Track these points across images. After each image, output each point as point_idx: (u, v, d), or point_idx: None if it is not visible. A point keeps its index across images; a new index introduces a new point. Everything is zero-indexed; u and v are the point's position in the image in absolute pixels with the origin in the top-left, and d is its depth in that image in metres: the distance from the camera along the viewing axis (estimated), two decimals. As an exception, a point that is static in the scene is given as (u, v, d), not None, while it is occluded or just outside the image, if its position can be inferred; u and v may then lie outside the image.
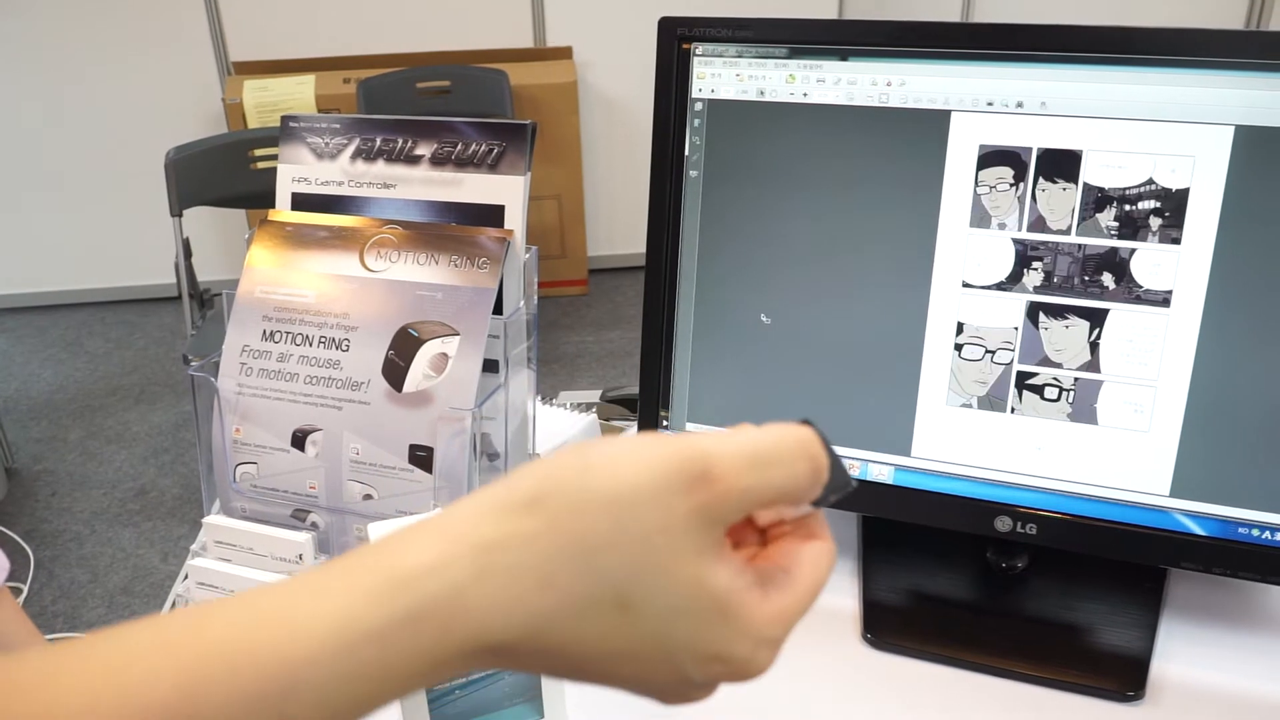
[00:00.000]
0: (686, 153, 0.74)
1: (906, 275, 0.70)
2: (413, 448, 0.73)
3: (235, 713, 0.29)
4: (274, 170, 0.80)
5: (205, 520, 0.75)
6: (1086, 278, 0.67)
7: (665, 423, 0.78)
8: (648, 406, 0.78)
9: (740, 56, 0.71)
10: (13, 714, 0.29)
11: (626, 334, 3.03)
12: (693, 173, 0.74)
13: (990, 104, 0.67)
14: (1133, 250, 0.65)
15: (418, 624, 0.30)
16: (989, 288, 0.69)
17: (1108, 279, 0.66)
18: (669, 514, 0.32)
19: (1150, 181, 0.64)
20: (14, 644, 0.67)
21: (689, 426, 0.77)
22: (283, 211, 0.80)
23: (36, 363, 3.06)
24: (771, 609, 0.34)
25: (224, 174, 2.22)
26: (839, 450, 0.74)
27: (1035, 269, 0.68)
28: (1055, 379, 0.69)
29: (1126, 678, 0.69)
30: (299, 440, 0.75)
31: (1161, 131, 0.64)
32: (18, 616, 0.67)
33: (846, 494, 0.37)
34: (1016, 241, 0.68)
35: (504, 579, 0.31)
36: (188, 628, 0.31)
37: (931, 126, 0.68)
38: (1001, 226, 0.68)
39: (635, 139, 3.25)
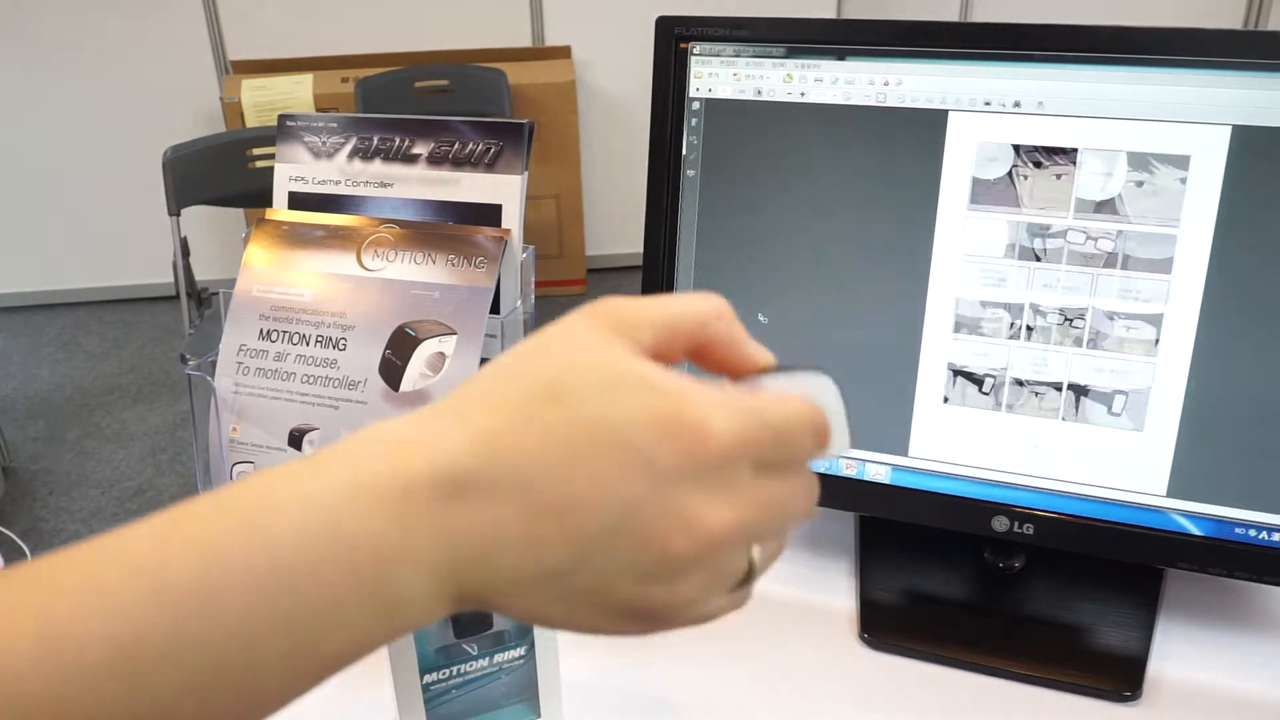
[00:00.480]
0: (684, 152, 0.74)
1: (904, 273, 0.70)
2: (409, 447, 0.73)
3: (247, 604, 0.30)
4: (272, 170, 0.80)
5: (202, 519, 0.75)
6: (1083, 277, 0.67)
7: (662, 422, 0.78)
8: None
9: (738, 56, 0.71)
10: (63, 604, 0.30)
11: (625, 333, 3.02)
12: (690, 172, 0.74)
13: (988, 103, 0.67)
14: (1129, 251, 0.65)
15: (372, 480, 0.31)
16: (986, 286, 0.69)
17: (1104, 278, 0.66)
18: (577, 328, 0.34)
19: (1147, 181, 0.64)
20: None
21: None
22: (280, 210, 0.80)
23: (34, 362, 3.06)
24: (706, 386, 0.33)
25: (222, 173, 2.22)
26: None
27: (1033, 267, 0.68)
28: (1052, 379, 0.69)
29: (1123, 678, 0.69)
30: (296, 440, 0.75)
31: (1158, 131, 0.64)
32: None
33: (812, 373, 0.37)
34: (1013, 241, 0.68)
35: (441, 415, 0.33)
36: (189, 517, 0.31)
37: (929, 126, 0.68)
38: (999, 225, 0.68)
39: (634, 139, 3.25)
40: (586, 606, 0.34)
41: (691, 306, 0.36)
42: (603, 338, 0.34)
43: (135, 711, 0.29)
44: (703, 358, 0.37)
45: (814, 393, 0.37)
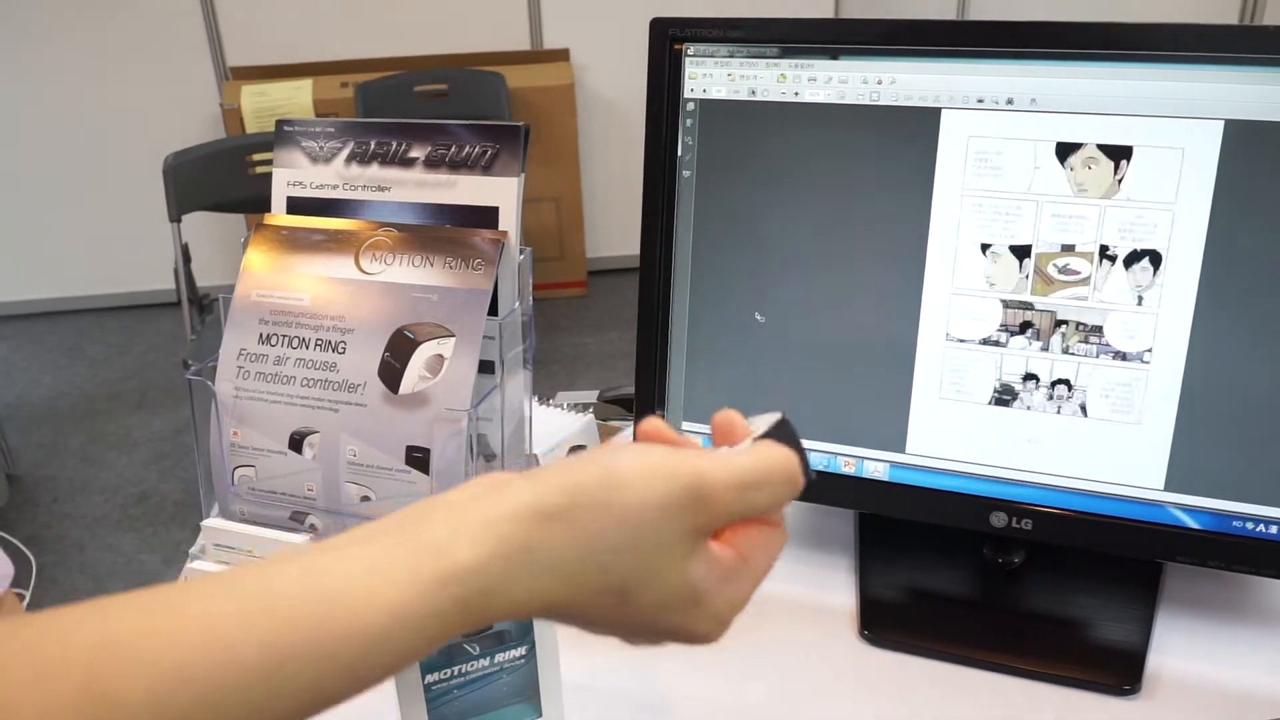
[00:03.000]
0: (679, 153, 0.74)
1: (899, 271, 0.71)
2: (409, 449, 0.73)
3: (312, 673, 0.35)
4: (272, 175, 0.81)
5: (204, 524, 0.76)
6: (1077, 272, 0.67)
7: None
8: (644, 407, 0.78)
9: (732, 56, 0.72)
10: (111, 668, 0.33)
11: (625, 335, 3.03)
12: (685, 172, 0.74)
13: (980, 101, 0.67)
14: (1124, 245, 0.66)
15: (466, 609, 0.37)
16: (981, 282, 0.69)
17: (1099, 273, 0.67)
18: (670, 531, 0.40)
19: (1140, 175, 0.65)
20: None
21: (684, 425, 0.78)
22: (278, 215, 0.80)
23: (36, 369, 3.07)
24: (732, 595, 0.42)
25: (222, 179, 2.22)
26: (834, 447, 0.74)
27: (1027, 261, 0.68)
28: (1049, 373, 0.69)
29: (1123, 671, 0.69)
30: (296, 443, 0.76)
31: (1151, 126, 0.64)
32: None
33: (808, 483, 0.43)
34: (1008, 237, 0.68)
35: (535, 576, 0.38)
36: (260, 593, 0.36)
37: (922, 124, 0.68)
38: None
39: (633, 141, 3.25)
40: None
41: (770, 503, 0.43)
42: (678, 549, 0.40)
43: None
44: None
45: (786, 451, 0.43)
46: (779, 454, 0.42)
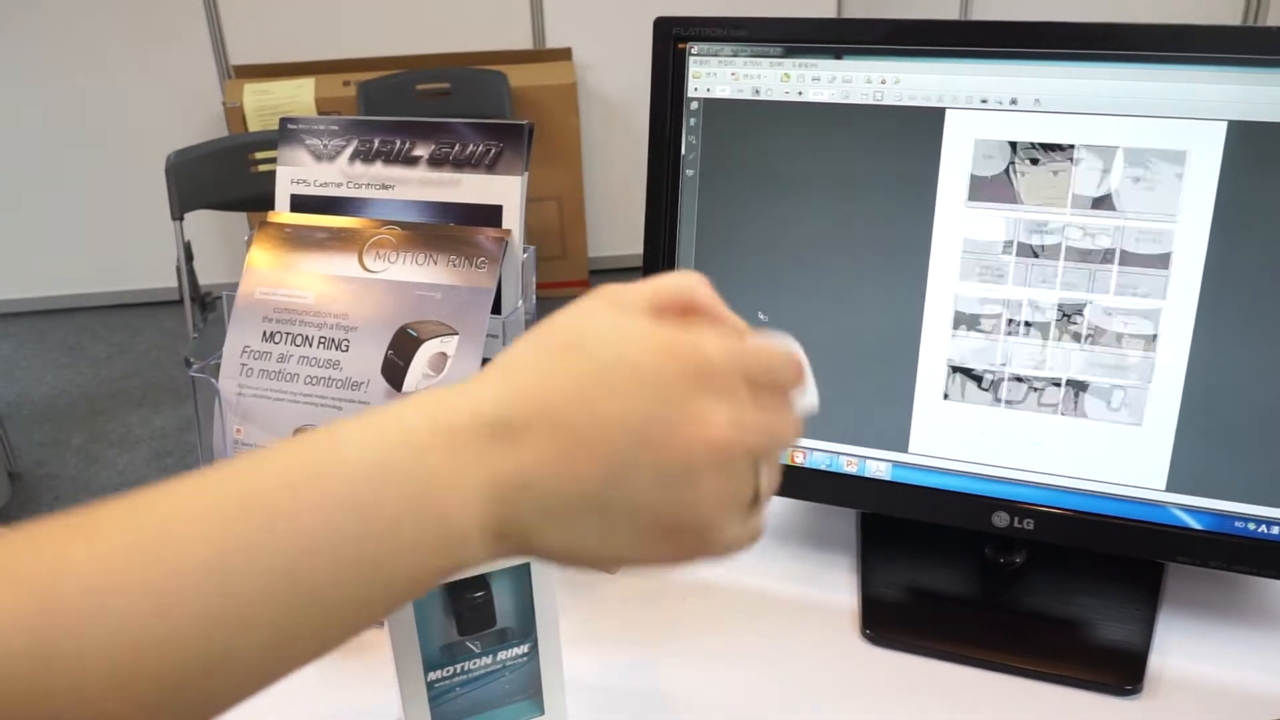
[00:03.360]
0: (683, 152, 0.74)
1: (902, 271, 0.71)
2: (412, 447, 0.73)
3: (327, 522, 0.34)
4: (274, 174, 0.81)
5: (207, 520, 0.76)
6: (1081, 273, 0.67)
7: (664, 421, 0.78)
8: (646, 405, 0.78)
9: (735, 56, 0.72)
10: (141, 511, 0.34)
11: (627, 334, 3.02)
12: (689, 172, 0.74)
13: (984, 101, 0.67)
14: (1126, 246, 0.66)
15: (428, 426, 0.36)
16: (984, 282, 0.69)
17: (1102, 274, 0.67)
18: (591, 302, 0.40)
19: (1144, 177, 0.65)
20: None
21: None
22: (282, 213, 0.80)
23: (38, 367, 3.07)
24: (730, 353, 0.39)
25: (224, 177, 2.22)
26: (836, 446, 0.74)
27: (1031, 263, 0.68)
28: (1051, 374, 0.69)
29: (1124, 672, 0.70)
30: (299, 440, 0.76)
31: (1155, 127, 0.64)
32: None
33: (785, 337, 0.43)
34: (1010, 237, 0.68)
35: (486, 381, 0.38)
36: (270, 459, 0.36)
37: (926, 124, 0.68)
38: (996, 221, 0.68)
39: (635, 140, 3.26)
40: (623, 529, 0.37)
41: (676, 279, 0.42)
42: (607, 306, 0.40)
43: (222, 613, 0.32)
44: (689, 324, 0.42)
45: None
46: (779, 346, 0.42)
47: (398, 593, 0.36)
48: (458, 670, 0.62)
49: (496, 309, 0.74)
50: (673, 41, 0.73)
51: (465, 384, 0.38)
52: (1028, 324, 0.69)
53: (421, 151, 0.77)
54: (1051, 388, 0.69)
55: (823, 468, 0.75)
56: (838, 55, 0.69)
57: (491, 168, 0.76)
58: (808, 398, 0.43)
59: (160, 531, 0.33)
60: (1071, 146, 0.66)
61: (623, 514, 0.37)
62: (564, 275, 3.32)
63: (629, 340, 0.38)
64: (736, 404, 0.38)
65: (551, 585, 0.62)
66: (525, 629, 0.63)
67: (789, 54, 0.70)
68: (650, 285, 0.41)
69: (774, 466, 0.41)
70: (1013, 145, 0.67)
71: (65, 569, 0.32)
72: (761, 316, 0.74)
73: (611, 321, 0.39)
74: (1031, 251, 0.68)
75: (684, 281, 0.42)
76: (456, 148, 0.76)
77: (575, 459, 0.36)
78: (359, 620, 0.35)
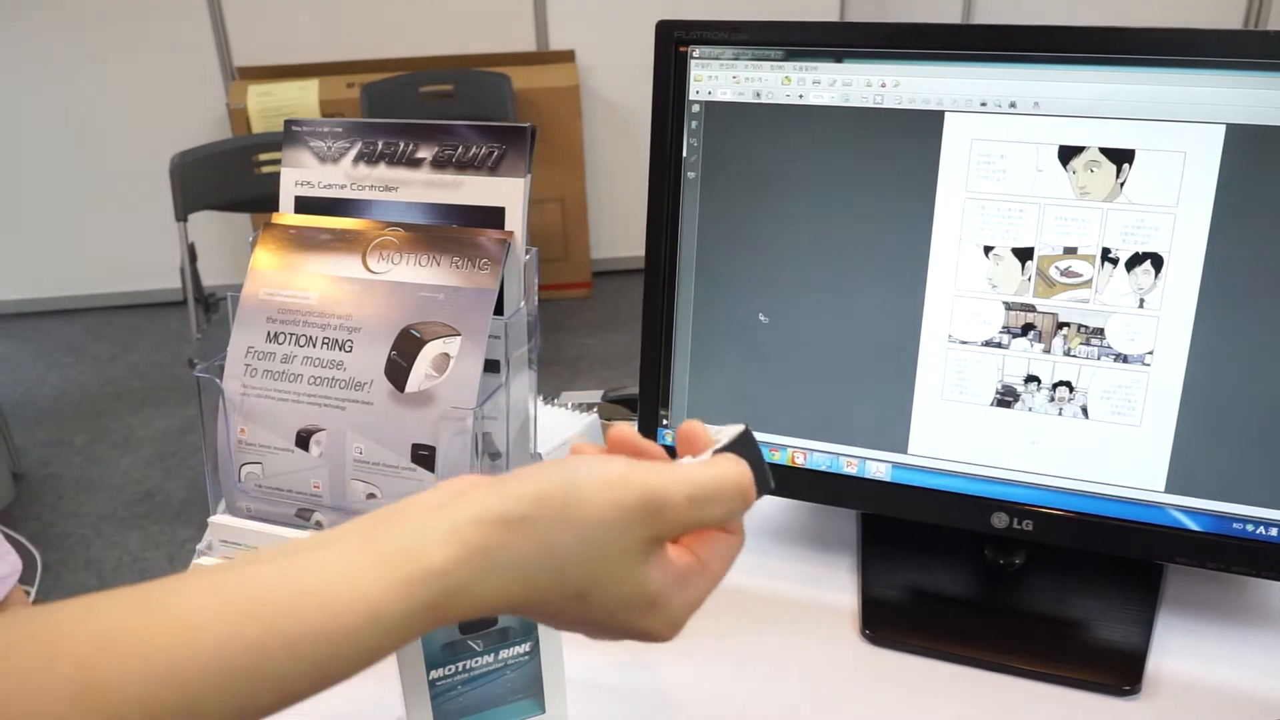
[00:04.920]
0: (684, 154, 0.75)
1: (902, 273, 0.71)
2: (415, 447, 0.74)
3: (291, 670, 0.37)
4: (278, 175, 0.81)
5: (211, 520, 0.76)
6: (1079, 275, 0.67)
7: (665, 422, 0.79)
8: (648, 406, 0.79)
9: (737, 59, 0.72)
10: (104, 665, 0.35)
11: (629, 336, 3.03)
12: (690, 174, 0.75)
13: (984, 104, 0.67)
14: (1126, 248, 0.66)
15: (432, 609, 0.39)
16: (984, 284, 0.70)
17: (1102, 275, 0.67)
18: (626, 540, 0.42)
19: (1143, 179, 0.65)
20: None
21: (688, 425, 0.78)
22: (286, 214, 0.81)
23: (42, 367, 3.08)
24: (688, 598, 0.45)
25: (228, 179, 2.23)
26: (836, 448, 0.75)
27: (1029, 264, 0.68)
28: (1050, 375, 0.69)
29: (1123, 672, 0.70)
30: (303, 440, 0.76)
31: (1154, 130, 0.65)
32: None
33: (768, 490, 0.46)
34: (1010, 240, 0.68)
35: (497, 578, 0.41)
36: (242, 597, 0.38)
37: (925, 127, 0.69)
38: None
39: (638, 142, 3.26)
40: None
41: (721, 514, 0.45)
42: (635, 557, 0.43)
43: None
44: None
45: (738, 454, 0.46)
46: (733, 469, 0.45)
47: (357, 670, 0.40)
48: (459, 668, 0.62)
49: (499, 310, 0.75)
50: (674, 45, 0.73)
51: (472, 574, 0.40)
52: (1026, 325, 0.69)
53: (425, 153, 0.78)
54: (1050, 389, 0.70)
55: (823, 469, 0.76)
56: (838, 59, 0.70)
57: (494, 170, 0.76)
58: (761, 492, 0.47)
59: (105, 686, 0.35)
60: (1071, 148, 0.66)
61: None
62: (566, 277, 3.32)
63: (622, 615, 0.44)
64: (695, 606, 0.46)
65: (553, 584, 0.63)
66: (527, 628, 0.63)
67: (790, 57, 0.71)
68: (686, 529, 0.44)
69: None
70: (1015, 148, 0.67)
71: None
72: (762, 318, 0.75)
73: (625, 595, 0.43)
74: (1030, 254, 0.68)
75: (725, 516, 0.45)
76: (459, 150, 0.77)
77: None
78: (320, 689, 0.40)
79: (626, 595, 0.43)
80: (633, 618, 0.44)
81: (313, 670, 0.38)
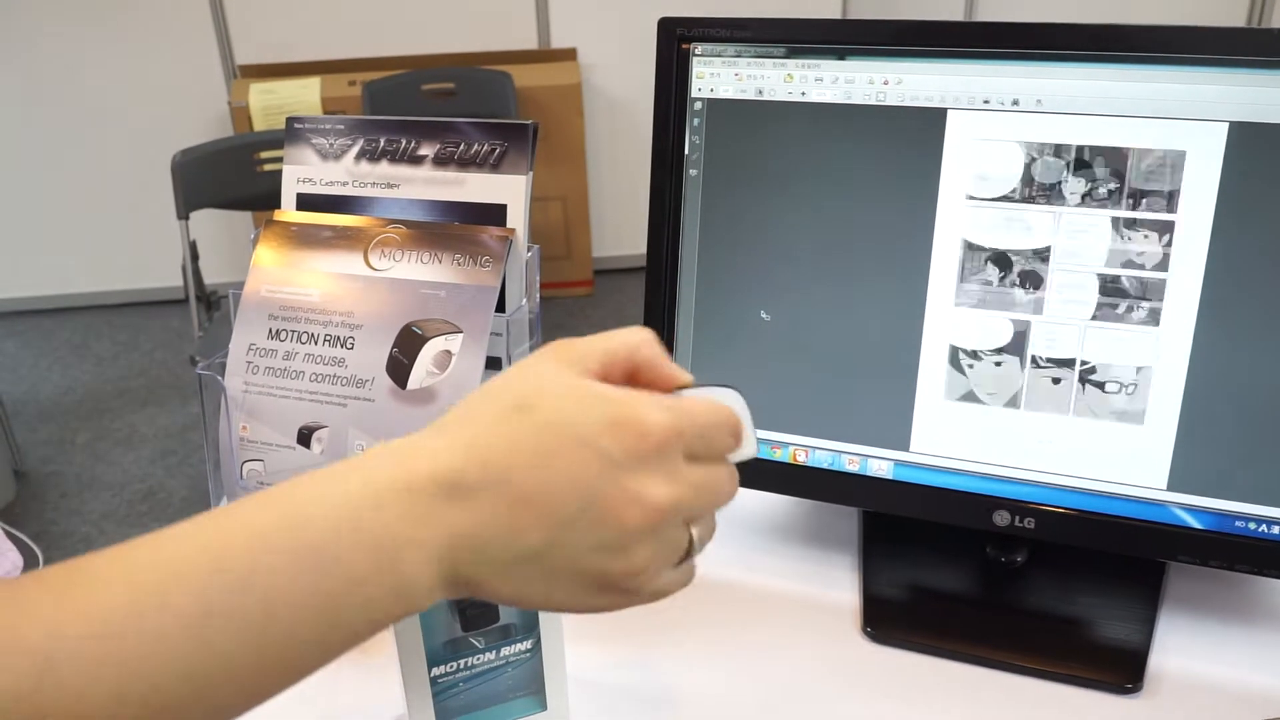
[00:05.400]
0: (686, 152, 0.74)
1: (904, 271, 0.71)
2: (417, 444, 0.74)
3: (304, 555, 0.38)
4: (279, 173, 0.81)
5: (212, 517, 0.76)
6: (1083, 274, 0.67)
7: (667, 419, 0.79)
8: (649, 403, 0.79)
9: (739, 56, 0.72)
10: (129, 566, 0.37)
11: (631, 334, 3.02)
12: (692, 171, 0.75)
13: (986, 102, 0.67)
14: (1128, 245, 0.66)
15: (385, 484, 0.39)
16: (987, 283, 0.69)
17: (1104, 274, 0.67)
18: (539, 360, 0.43)
19: (1145, 177, 0.65)
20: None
21: (690, 423, 0.78)
22: (288, 211, 0.81)
23: (44, 365, 3.08)
24: (663, 421, 0.41)
25: (230, 177, 2.23)
26: (838, 445, 0.74)
27: (1031, 262, 0.68)
28: (1052, 372, 0.69)
29: (1125, 670, 0.70)
30: (305, 437, 0.76)
31: (1156, 128, 0.64)
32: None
33: (726, 390, 0.45)
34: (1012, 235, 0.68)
35: (438, 435, 0.41)
36: (247, 509, 0.39)
37: (928, 124, 0.69)
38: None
39: (640, 140, 3.26)
40: (562, 582, 0.41)
41: (623, 337, 0.44)
42: (558, 366, 0.42)
43: (204, 665, 0.36)
44: (636, 379, 0.45)
45: (728, 404, 0.45)
46: (718, 405, 0.44)
47: (357, 635, 0.39)
48: (461, 666, 0.62)
49: (501, 307, 0.75)
50: (677, 42, 0.73)
51: (422, 437, 0.41)
52: (1029, 323, 0.69)
53: (427, 151, 0.78)
54: (1053, 386, 0.69)
55: (825, 466, 0.76)
56: (841, 56, 0.70)
57: (496, 167, 0.76)
58: (745, 447, 0.45)
59: (145, 593, 0.36)
60: (1074, 147, 0.66)
61: (562, 570, 0.41)
62: (568, 275, 3.32)
63: (577, 407, 0.40)
64: (671, 476, 0.41)
65: (554, 582, 0.63)
66: (528, 625, 0.63)
67: (792, 54, 0.71)
68: (600, 345, 0.44)
69: (708, 522, 0.45)
70: (1018, 146, 0.67)
71: (57, 632, 0.35)
72: (764, 316, 0.75)
73: (562, 384, 0.41)
74: (1033, 251, 0.68)
75: (630, 340, 0.44)
76: (461, 147, 0.77)
77: (522, 520, 0.39)
78: (322, 658, 0.39)
79: (567, 388, 0.41)
80: (593, 403, 0.40)
81: (311, 582, 0.37)
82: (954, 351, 0.71)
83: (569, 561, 0.40)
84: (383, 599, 0.39)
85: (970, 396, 0.71)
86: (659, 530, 0.41)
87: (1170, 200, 0.65)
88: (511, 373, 0.43)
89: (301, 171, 0.81)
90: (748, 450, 0.46)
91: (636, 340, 0.45)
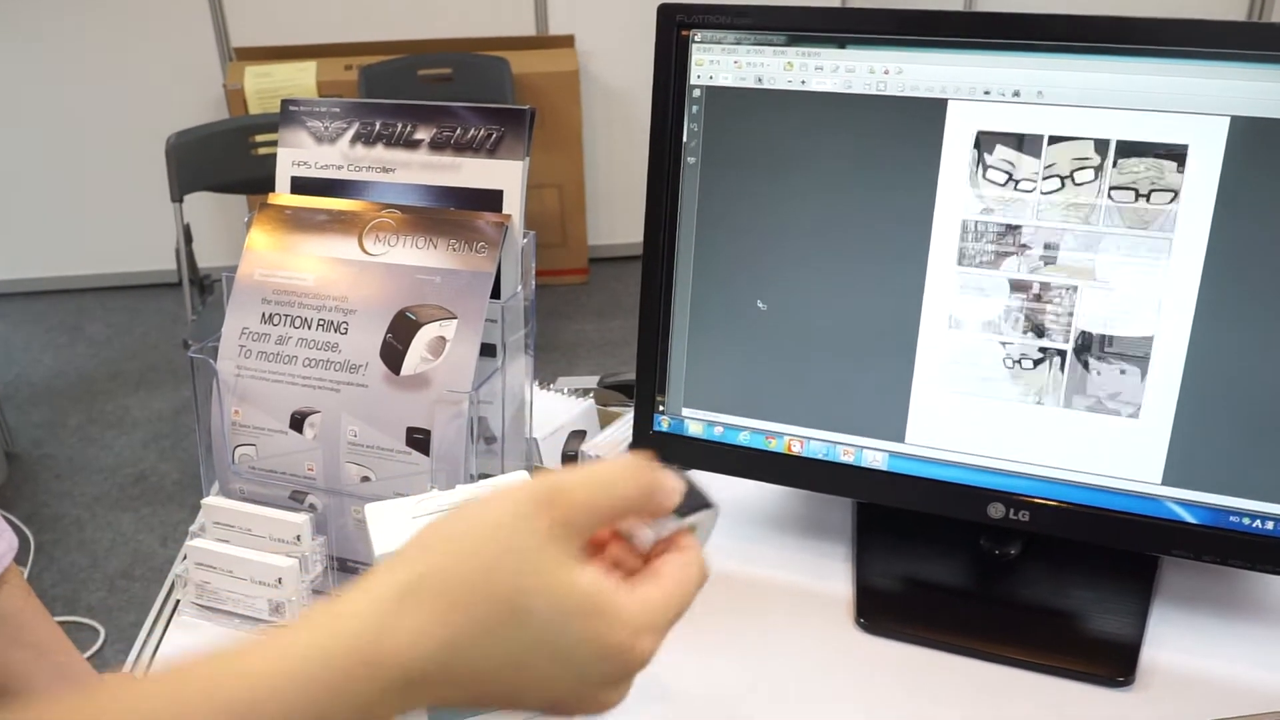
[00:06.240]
0: (684, 139, 0.74)
1: (902, 262, 0.71)
2: (410, 430, 0.73)
3: None
4: (274, 156, 0.81)
5: (204, 501, 0.76)
6: (1081, 264, 0.67)
7: (661, 408, 0.79)
8: (644, 391, 0.79)
9: (739, 44, 0.71)
10: None
11: (626, 323, 3.03)
12: (690, 159, 0.74)
13: (987, 93, 0.67)
14: (1128, 238, 0.66)
15: (350, 658, 0.37)
16: (984, 273, 0.69)
17: (1102, 266, 0.67)
18: (534, 532, 0.39)
19: (1146, 170, 0.65)
20: (21, 623, 0.67)
21: (685, 412, 0.78)
22: (282, 195, 0.80)
23: (37, 348, 3.07)
24: (638, 598, 0.40)
25: (225, 160, 2.22)
26: (833, 436, 0.74)
27: (1030, 256, 0.68)
28: (1049, 366, 0.69)
29: (1117, 663, 0.70)
30: (297, 422, 0.76)
31: (1157, 121, 0.64)
32: (25, 594, 0.68)
33: (707, 511, 0.44)
34: (1011, 228, 0.68)
35: (417, 612, 0.38)
36: (184, 683, 0.37)
37: (928, 115, 0.68)
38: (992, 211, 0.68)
39: (637, 128, 3.25)
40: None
41: (624, 494, 0.41)
42: (550, 551, 0.39)
43: None
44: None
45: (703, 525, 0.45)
46: (633, 458, 0.42)
47: None
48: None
49: (496, 294, 0.74)
50: (676, 29, 0.73)
51: (397, 613, 0.38)
52: (1026, 316, 0.69)
53: (423, 135, 0.77)
54: (1049, 379, 0.69)
55: (819, 457, 0.76)
56: (841, 45, 0.69)
57: (493, 152, 0.76)
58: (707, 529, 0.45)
59: None
60: (1076, 139, 0.66)
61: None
62: (563, 263, 3.31)
63: (571, 631, 0.39)
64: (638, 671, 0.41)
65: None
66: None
67: (792, 42, 0.70)
68: (597, 508, 0.41)
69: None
70: (1019, 139, 0.67)
71: None
72: (760, 305, 0.74)
73: (556, 594, 0.38)
74: (1031, 244, 0.68)
75: (631, 499, 0.42)
76: (458, 132, 0.76)
77: (479, 696, 0.40)
78: None
79: (560, 595, 0.38)
80: (582, 625, 0.39)
81: None
82: (952, 343, 0.71)
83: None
84: None
85: (967, 388, 0.71)
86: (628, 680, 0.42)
87: (1171, 192, 0.64)
88: (501, 541, 0.39)
89: (296, 155, 0.80)
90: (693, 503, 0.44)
91: (638, 498, 0.42)
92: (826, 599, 0.77)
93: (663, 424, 0.79)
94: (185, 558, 0.75)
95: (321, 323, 0.76)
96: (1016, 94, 0.66)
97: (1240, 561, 0.69)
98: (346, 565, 0.77)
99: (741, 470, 0.79)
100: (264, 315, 0.77)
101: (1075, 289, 0.68)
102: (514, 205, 0.76)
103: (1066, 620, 0.74)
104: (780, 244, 0.73)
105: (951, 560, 0.79)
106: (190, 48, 3.11)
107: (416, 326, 0.74)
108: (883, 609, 0.75)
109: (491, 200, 0.76)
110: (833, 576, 0.79)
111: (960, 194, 0.69)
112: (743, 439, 0.77)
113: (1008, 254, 0.69)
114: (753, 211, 0.74)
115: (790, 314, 0.74)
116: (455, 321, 0.73)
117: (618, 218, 3.41)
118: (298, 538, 0.73)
